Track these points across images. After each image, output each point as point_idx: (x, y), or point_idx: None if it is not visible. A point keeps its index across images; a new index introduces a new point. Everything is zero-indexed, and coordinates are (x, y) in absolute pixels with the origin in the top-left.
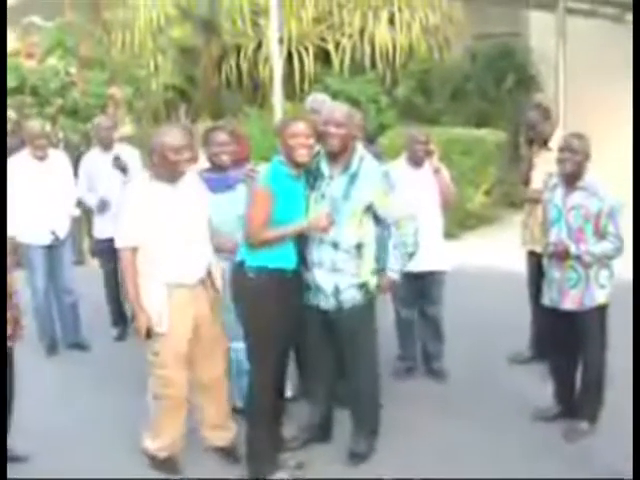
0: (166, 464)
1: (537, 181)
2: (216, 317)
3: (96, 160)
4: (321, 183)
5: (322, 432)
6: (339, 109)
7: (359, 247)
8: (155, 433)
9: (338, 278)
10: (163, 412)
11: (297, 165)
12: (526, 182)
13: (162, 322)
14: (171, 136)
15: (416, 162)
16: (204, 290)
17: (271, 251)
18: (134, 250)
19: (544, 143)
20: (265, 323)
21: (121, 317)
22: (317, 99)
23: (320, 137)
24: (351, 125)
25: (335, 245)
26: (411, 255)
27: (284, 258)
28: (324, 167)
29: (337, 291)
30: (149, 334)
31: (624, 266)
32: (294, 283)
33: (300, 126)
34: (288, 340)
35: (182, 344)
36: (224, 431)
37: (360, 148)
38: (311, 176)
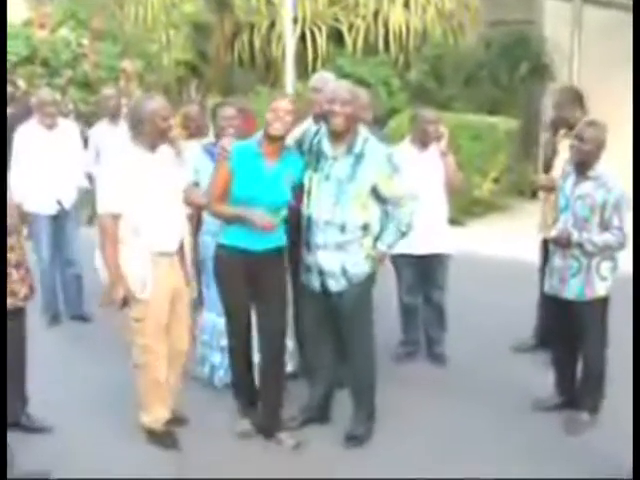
0: (163, 438)
1: (558, 169)
2: (187, 288)
3: (104, 132)
4: (324, 164)
5: (321, 413)
6: (344, 87)
7: (365, 228)
8: (145, 405)
9: (344, 257)
10: (146, 382)
11: (270, 139)
12: (547, 169)
13: (145, 289)
14: (159, 103)
15: (423, 143)
16: (179, 261)
17: (236, 230)
18: (116, 217)
19: (570, 129)
20: (225, 299)
21: None
22: (322, 78)
23: (324, 116)
24: (356, 104)
25: (342, 227)
26: (403, 234)
27: (247, 239)
28: (327, 147)
29: (344, 271)
30: (125, 303)
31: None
32: (263, 264)
33: (281, 103)
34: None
35: (163, 313)
36: (172, 400)
37: (364, 129)
38: (313, 157)
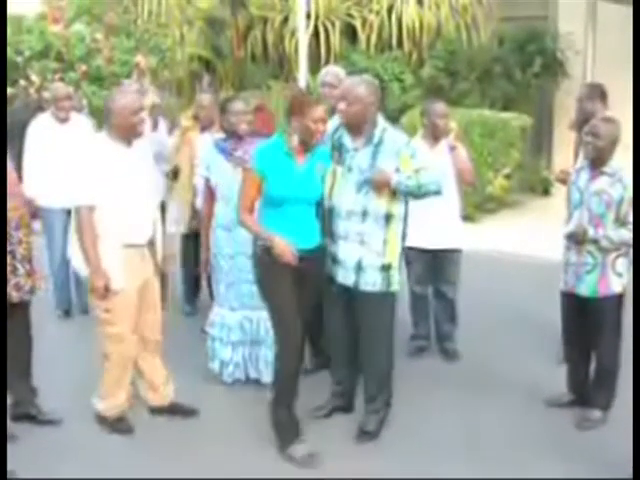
0: (118, 424)
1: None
2: (156, 279)
3: None
4: (346, 156)
5: (346, 402)
6: (354, 84)
7: (387, 218)
8: (104, 393)
9: (363, 252)
10: (112, 370)
11: (305, 143)
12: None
13: (117, 280)
14: (129, 98)
15: (434, 137)
16: (150, 252)
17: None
18: (91, 209)
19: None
20: (269, 296)
21: None
22: (330, 72)
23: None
24: (367, 99)
25: (364, 214)
26: (417, 193)
27: (296, 238)
28: (347, 140)
29: (359, 267)
30: (107, 291)
31: None
32: (310, 262)
33: (321, 112)
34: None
35: (132, 303)
36: (161, 392)
37: (382, 120)
38: (336, 151)
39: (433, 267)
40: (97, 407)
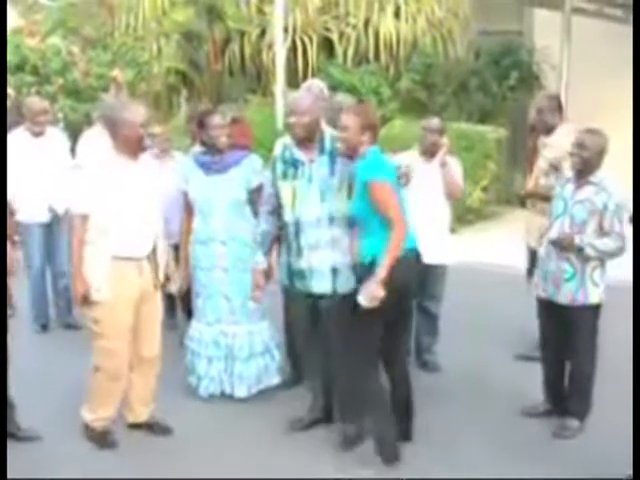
0: (100, 437)
1: (538, 170)
2: (157, 294)
3: (98, 139)
4: (304, 170)
5: (325, 414)
6: (299, 98)
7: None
8: (92, 405)
9: (336, 257)
10: (102, 384)
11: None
12: (530, 171)
13: (101, 291)
14: (133, 112)
15: (426, 152)
16: (149, 265)
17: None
18: (85, 217)
19: (547, 132)
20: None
21: None
22: (314, 85)
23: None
24: (314, 110)
25: (331, 219)
26: None
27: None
28: (299, 155)
29: (334, 271)
30: (85, 301)
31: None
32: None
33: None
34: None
35: (125, 316)
36: (148, 407)
37: (328, 128)
38: (290, 167)
39: (420, 282)
40: (84, 417)
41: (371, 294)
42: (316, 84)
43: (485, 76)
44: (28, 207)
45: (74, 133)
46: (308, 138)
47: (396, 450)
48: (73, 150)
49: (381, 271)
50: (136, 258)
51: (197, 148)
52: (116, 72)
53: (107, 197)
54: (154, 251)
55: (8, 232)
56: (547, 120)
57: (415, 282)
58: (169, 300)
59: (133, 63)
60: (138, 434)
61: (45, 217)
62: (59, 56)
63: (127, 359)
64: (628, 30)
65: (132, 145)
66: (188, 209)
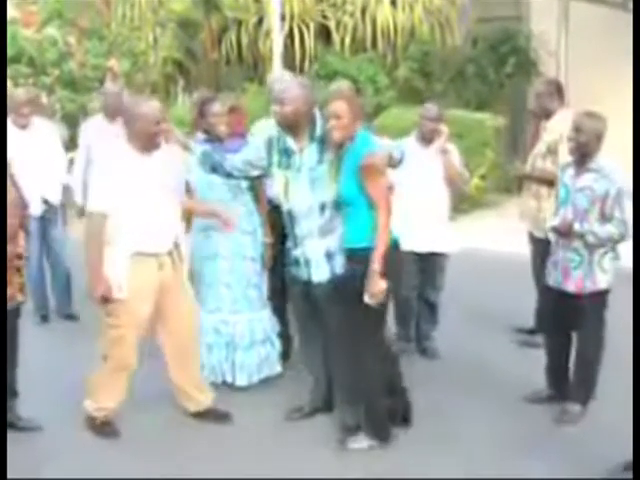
0: (104, 427)
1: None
2: (181, 286)
3: (99, 128)
4: (294, 159)
5: (325, 403)
6: (284, 88)
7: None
8: (97, 393)
9: (329, 241)
10: (108, 373)
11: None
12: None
13: (122, 289)
14: (150, 106)
15: (424, 139)
16: (170, 260)
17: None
18: (104, 216)
19: (546, 117)
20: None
21: None
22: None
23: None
24: (300, 98)
25: (322, 207)
26: None
27: None
28: (291, 143)
29: (329, 256)
30: (106, 300)
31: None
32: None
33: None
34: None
35: (140, 307)
36: (199, 397)
37: (319, 115)
38: (283, 156)
39: (421, 271)
40: (87, 407)
41: (374, 291)
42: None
43: (482, 63)
44: None
45: (71, 125)
46: (295, 126)
47: (388, 429)
48: (73, 141)
49: (375, 265)
50: (156, 254)
51: (199, 136)
52: (112, 62)
53: (124, 193)
54: (176, 246)
55: (22, 224)
56: (545, 105)
57: (395, 270)
58: None
59: (129, 53)
60: (144, 420)
61: (39, 210)
62: (55, 47)
63: (135, 350)
64: (626, 15)
65: (145, 140)
66: (188, 197)
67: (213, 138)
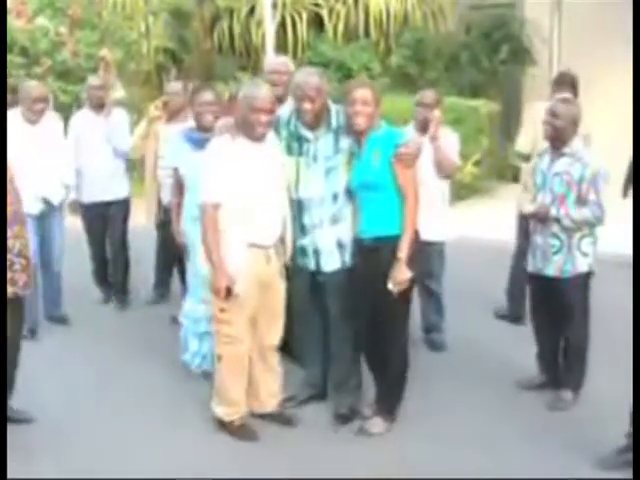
0: (240, 431)
1: None
2: (280, 284)
3: (87, 121)
4: (309, 147)
5: (319, 391)
6: (311, 80)
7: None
8: (221, 397)
9: (340, 231)
10: (223, 372)
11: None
12: None
13: (239, 282)
14: (255, 94)
15: (420, 126)
16: (276, 253)
17: None
18: (216, 207)
19: None
20: None
21: (106, 280)
22: (280, 60)
23: (297, 109)
24: (324, 90)
25: (335, 197)
26: None
27: None
28: (305, 132)
29: (340, 245)
30: (229, 294)
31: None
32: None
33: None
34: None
35: (251, 305)
36: (276, 397)
37: (333, 104)
38: (295, 141)
39: (419, 260)
40: (215, 412)
41: (399, 279)
42: (282, 58)
43: (476, 50)
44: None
45: (64, 115)
46: (319, 118)
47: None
48: (66, 132)
49: (402, 253)
50: (265, 246)
51: (190, 123)
52: (104, 52)
53: (235, 183)
54: (281, 238)
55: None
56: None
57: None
58: (159, 275)
59: (122, 42)
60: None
61: (36, 209)
62: (47, 37)
63: (250, 346)
64: (620, 3)
65: (247, 128)
66: (178, 185)
67: (201, 127)
